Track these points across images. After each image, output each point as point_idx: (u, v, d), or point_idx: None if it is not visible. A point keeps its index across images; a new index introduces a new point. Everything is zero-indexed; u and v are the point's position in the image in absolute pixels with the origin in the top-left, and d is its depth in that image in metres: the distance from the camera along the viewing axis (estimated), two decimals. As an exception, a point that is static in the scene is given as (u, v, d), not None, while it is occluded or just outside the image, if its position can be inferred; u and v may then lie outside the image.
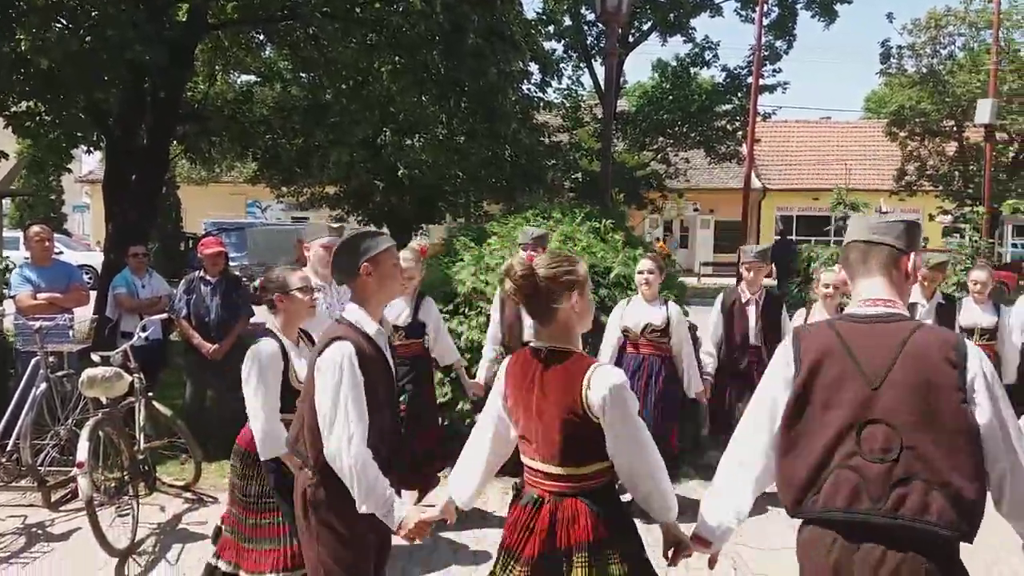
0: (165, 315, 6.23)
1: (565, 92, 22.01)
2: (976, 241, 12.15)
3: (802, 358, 2.14)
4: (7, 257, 8.13)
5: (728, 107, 22.05)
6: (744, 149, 21.32)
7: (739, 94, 21.70)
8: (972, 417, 1.98)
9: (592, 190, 17.07)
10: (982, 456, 1.98)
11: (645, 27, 21.87)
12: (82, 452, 4.31)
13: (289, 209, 27.60)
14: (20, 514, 5.02)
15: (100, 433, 4.60)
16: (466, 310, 6.09)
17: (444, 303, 5.94)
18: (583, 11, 20.83)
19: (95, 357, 4.92)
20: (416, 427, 4.68)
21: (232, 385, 4.60)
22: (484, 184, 15.55)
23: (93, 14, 8.12)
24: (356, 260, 2.70)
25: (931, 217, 25.19)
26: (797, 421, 2.13)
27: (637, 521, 2.49)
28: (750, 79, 20.26)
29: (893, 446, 1.99)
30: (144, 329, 5.57)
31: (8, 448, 5.07)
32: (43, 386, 5.21)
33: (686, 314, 5.69)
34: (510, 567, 2.33)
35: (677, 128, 22.16)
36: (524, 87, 15.50)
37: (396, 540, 2.75)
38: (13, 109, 8.89)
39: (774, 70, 21.67)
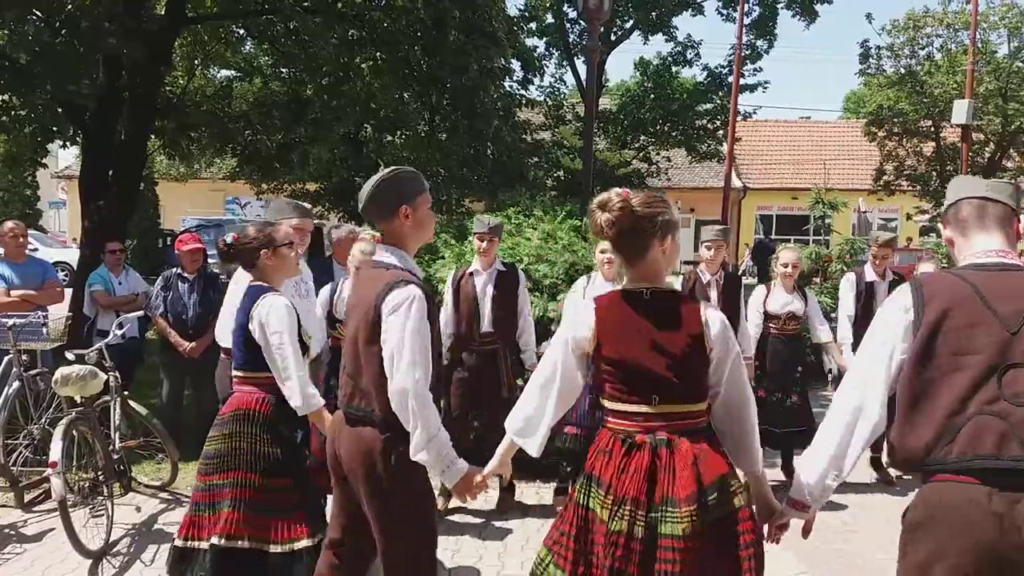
0: (142, 313, 6.16)
1: (547, 90, 22.01)
2: (953, 240, 12.26)
3: (926, 304, 2.06)
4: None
5: (709, 106, 22.13)
6: (725, 148, 21.41)
7: (720, 93, 21.78)
8: None
9: (574, 188, 17.08)
10: None
11: (627, 25, 21.89)
12: (55, 452, 4.23)
13: (269, 206, 27.44)
14: (-8, 515, 4.93)
15: (74, 432, 4.52)
16: (447, 308, 6.06)
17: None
18: (565, 8, 20.81)
19: (69, 355, 4.85)
20: None
21: (210, 383, 4.58)
22: (466, 181, 15.49)
23: (68, 7, 8.00)
24: (397, 201, 2.62)
25: (909, 216, 25.52)
26: (924, 369, 2.04)
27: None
28: (731, 78, 20.35)
29: None
30: (120, 327, 5.50)
31: (-20, 448, 4.98)
32: (16, 384, 5.14)
33: None
34: (629, 513, 2.21)
35: (658, 127, 22.22)
36: (506, 84, 15.47)
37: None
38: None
39: (755, 69, 21.78)
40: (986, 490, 1.91)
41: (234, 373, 3.34)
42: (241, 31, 12.40)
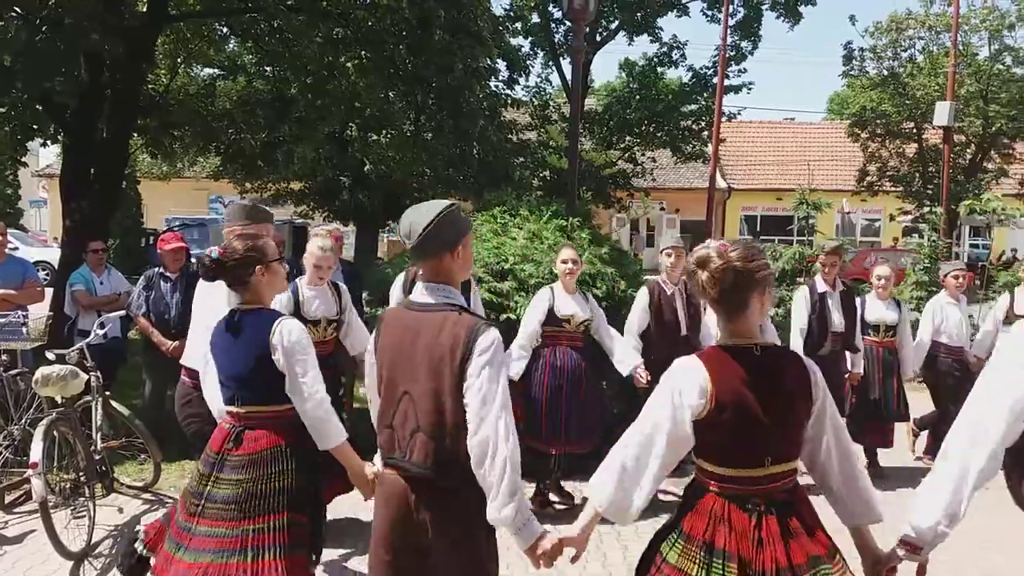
0: (124, 312, 6.11)
1: (533, 90, 22.04)
2: (935, 241, 12.37)
3: None
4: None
5: (694, 107, 22.23)
6: (709, 149, 21.51)
7: (705, 94, 21.89)
8: None
9: (560, 188, 17.10)
10: None
11: (612, 26, 21.95)
12: (36, 452, 4.20)
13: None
14: (-29, 517, 4.88)
15: (55, 433, 4.48)
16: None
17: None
18: (551, 8, 20.84)
19: (50, 355, 4.80)
20: None
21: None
22: (451, 181, 15.49)
23: (51, 4, 7.92)
24: (454, 238, 2.44)
25: (892, 217, 25.73)
26: None
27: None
28: (715, 79, 20.45)
29: None
30: (102, 326, 5.45)
31: (-42, 449, 4.93)
32: (-5, 385, 5.08)
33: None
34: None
35: (644, 127, 22.30)
36: (492, 84, 15.48)
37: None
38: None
39: (739, 70, 21.90)
40: None
41: (236, 410, 2.95)
42: (224, 29, 12.31)
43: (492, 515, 2.28)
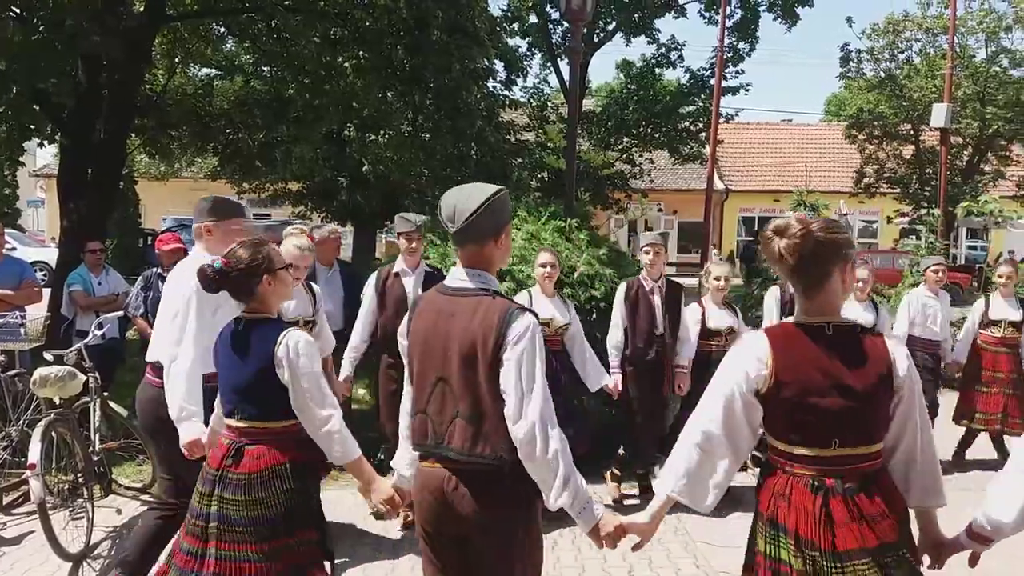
0: (122, 313, 6.10)
1: (531, 91, 22.05)
2: (932, 242, 12.39)
3: None
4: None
5: (691, 108, 22.26)
6: (707, 150, 21.53)
7: (702, 95, 21.91)
8: None
9: (558, 189, 17.11)
10: None
11: (610, 27, 21.97)
12: (34, 453, 4.18)
13: (251, 205, 27.26)
14: (-32, 518, 4.87)
15: (53, 434, 4.48)
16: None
17: (408, 301, 5.91)
18: (548, 9, 20.85)
19: (48, 356, 4.80)
20: None
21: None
22: (449, 181, 15.49)
23: (49, 4, 7.92)
24: (499, 223, 2.37)
25: (889, 219, 25.76)
26: None
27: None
28: (713, 80, 20.47)
29: None
30: (100, 327, 5.45)
31: (-44, 450, 4.92)
32: (-7, 386, 5.07)
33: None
34: (828, 567, 2.10)
35: (642, 129, 22.32)
36: (489, 85, 15.49)
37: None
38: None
39: (737, 72, 21.92)
40: None
41: (236, 424, 2.80)
42: (222, 29, 12.32)
43: (550, 504, 2.25)
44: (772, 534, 2.19)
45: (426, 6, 10.53)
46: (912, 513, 2.26)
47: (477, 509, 2.30)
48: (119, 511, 4.98)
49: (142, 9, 9.77)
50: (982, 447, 6.54)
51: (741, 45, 21.66)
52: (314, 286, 4.80)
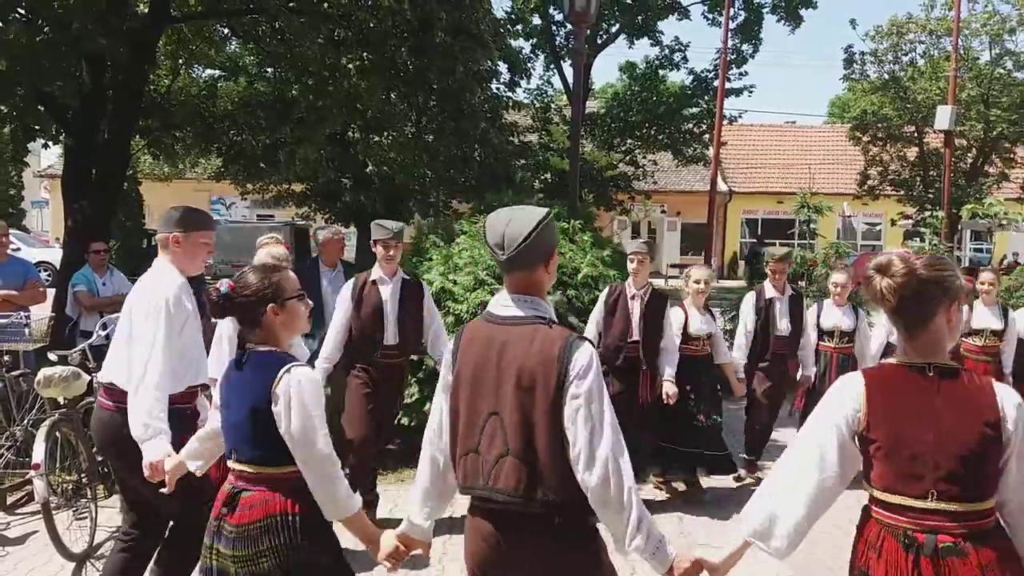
0: (125, 313, 6.09)
1: (535, 92, 22.06)
2: (936, 245, 12.38)
3: None
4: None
5: (695, 110, 22.26)
6: (711, 152, 21.52)
7: (706, 97, 21.91)
8: None
9: (561, 190, 17.11)
10: None
11: (613, 29, 21.99)
12: (38, 453, 4.19)
13: (254, 207, 27.31)
14: (-27, 517, 4.88)
15: (57, 434, 4.48)
16: (434, 310, 6.06)
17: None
18: (552, 11, 20.88)
19: (52, 356, 4.81)
20: None
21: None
22: (452, 183, 15.51)
23: (55, 4, 7.94)
24: (550, 248, 2.26)
25: (893, 222, 25.72)
26: None
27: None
28: (716, 82, 20.46)
29: None
30: (104, 327, 5.44)
31: (-40, 449, 4.94)
32: (-2, 386, 5.08)
33: None
34: None
35: (645, 130, 22.33)
36: (493, 86, 15.51)
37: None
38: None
39: (740, 73, 21.92)
40: None
41: (234, 466, 2.54)
42: (226, 30, 12.35)
43: (623, 549, 2.13)
44: None
45: (430, 8, 10.54)
46: None
47: (527, 554, 2.16)
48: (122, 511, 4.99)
49: (146, 10, 9.79)
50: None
51: (745, 47, 21.68)
52: None
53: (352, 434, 4.82)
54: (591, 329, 5.44)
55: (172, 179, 21.40)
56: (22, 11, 8.17)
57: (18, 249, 14.71)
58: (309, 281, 4.96)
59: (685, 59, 22.09)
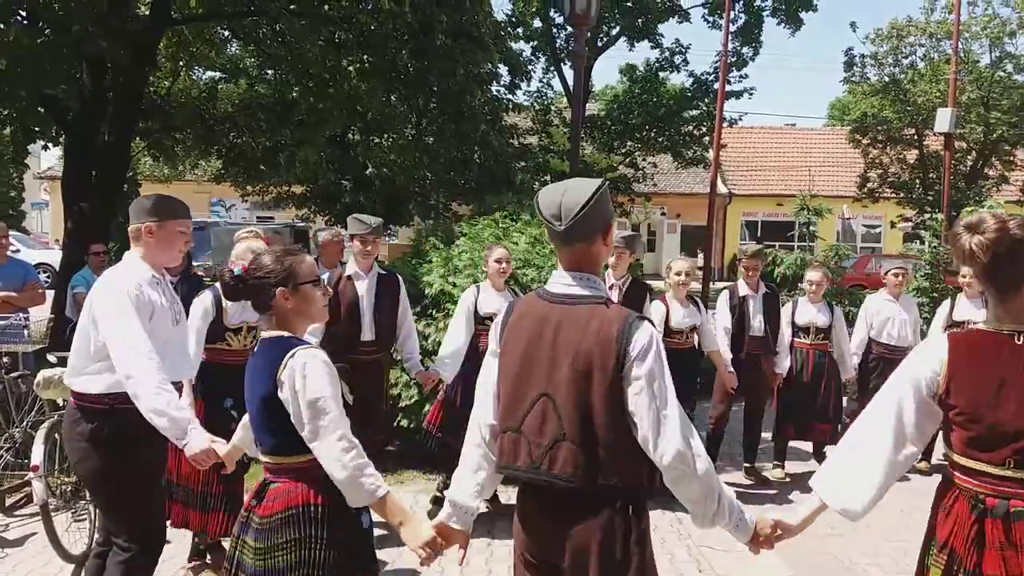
0: (125, 315, 6.08)
1: (535, 95, 22.07)
2: (936, 247, 12.36)
3: None
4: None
5: (695, 112, 22.26)
6: (711, 154, 21.52)
7: (706, 100, 21.92)
8: None
9: (561, 192, 17.08)
10: None
11: (613, 32, 22.01)
12: (37, 455, 4.19)
13: (254, 209, 27.29)
14: (-29, 519, 4.87)
15: (56, 436, 4.46)
16: (434, 312, 6.06)
17: (412, 305, 5.90)
18: (552, 14, 20.89)
19: (51, 358, 4.81)
20: None
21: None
22: (452, 185, 15.51)
23: (56, 6, 7.95)
24: (610, 217, 2.20)
25: (893, 224, 25.74)
26: None
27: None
28: (717, 85, 20.46)
29: None
30: (103, 329, 5.44)
31: (-41, 451, 4.93)
32: (-3, 387, 5.08)
33: None
34: None
35: (645, 132, 22.34)
36: (493, 89, 15.51)
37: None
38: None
39: (741, 76, 21.92)
40: None
41: (261, 457, 2.50)
42: (226, 32, 12.37)
43: (705, 525, 2.13)
44: (929, 545, 2.13)
45: (431, 11, 10.55)
46: None
47: (591, 537, 2.10)
48: (122, 513, 4.98)
49: (147, 12, 9.81)
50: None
51: (745, 49, 21.66)
52: None
53: None
54: None
55: (172, 181, 21.40)
56: (23, 13, 8.18)
57: (18, 251, 14.72)
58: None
59: (685, 62, 22.09)
